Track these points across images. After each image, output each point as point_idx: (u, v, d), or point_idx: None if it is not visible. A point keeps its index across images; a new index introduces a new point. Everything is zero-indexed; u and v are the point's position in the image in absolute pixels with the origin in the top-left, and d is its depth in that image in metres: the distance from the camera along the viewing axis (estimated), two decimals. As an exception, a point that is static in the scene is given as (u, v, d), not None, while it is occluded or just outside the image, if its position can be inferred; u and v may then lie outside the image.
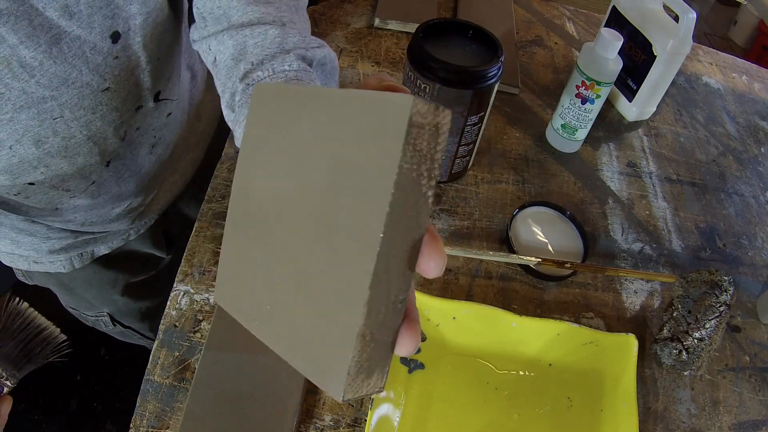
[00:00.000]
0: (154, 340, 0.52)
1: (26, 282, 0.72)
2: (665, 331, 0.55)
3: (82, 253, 0.66)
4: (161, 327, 0.53)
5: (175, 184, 0.69)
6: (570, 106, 0.70)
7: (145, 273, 0.75)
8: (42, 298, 0.72)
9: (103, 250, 0.67)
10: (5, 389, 0.41)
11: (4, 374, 0.40)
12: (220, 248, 0.59)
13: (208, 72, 0.68)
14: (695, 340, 0.53)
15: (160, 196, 0.67)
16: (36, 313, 0.43)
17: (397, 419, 0.48)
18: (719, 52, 1.02)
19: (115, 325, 0.80)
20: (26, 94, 0.41)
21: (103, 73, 0.45)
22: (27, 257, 0.63)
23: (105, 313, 0.78)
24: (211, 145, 0.75)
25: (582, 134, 0.73)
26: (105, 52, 0.44)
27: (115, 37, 0.44)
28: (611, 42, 0.64)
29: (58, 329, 0.43)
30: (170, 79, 0.56)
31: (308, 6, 0.91)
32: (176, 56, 0.56)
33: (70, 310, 0.79)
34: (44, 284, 0.72)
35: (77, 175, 0.51)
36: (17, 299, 0.42)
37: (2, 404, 0.41)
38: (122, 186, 0.58)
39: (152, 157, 0.59)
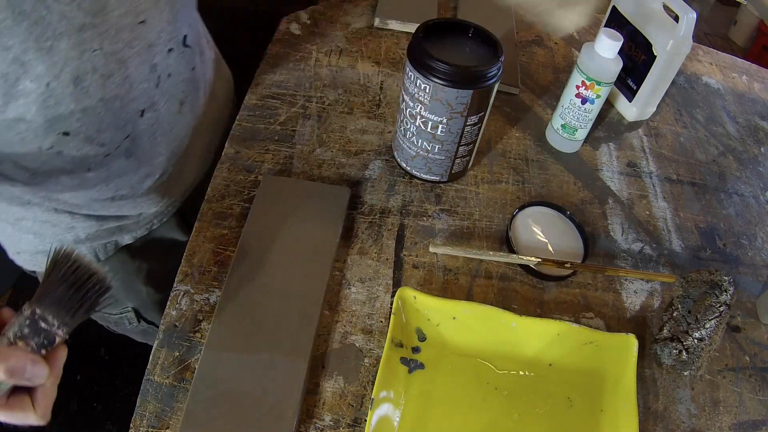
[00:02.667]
0: None
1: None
2: (665, 331, 0.55)
3: (106, 244, 0.66)
4: (161, 327, 0.53)
5: (198, 161, 0.70)
6: (570, 106, 0.70)
7: (169, 262, 0.75)
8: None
9: (127, 239, 0.67)
10: (58, 339, 0.38)
11: (55, 323, 0.38)
12: (220, 248, 0.59)
13: (215, 60, 0.70)
14: (695, 340, 0.53)
15: (185, 173, 0.67)
16: (84, 255, 0.40)
17: (397, 419, 0.48)
18: (719, 52, 1.02)
19: (139, 321, 0.80)
20: (66, 19, 0.40)
21: (139, 3, 0.46)
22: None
23: (129, 308, 0.78)
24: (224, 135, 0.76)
25: (582, 134, 0.73)
26: None
27: None
28: (611, 42, 0.64)
29: (106, 272, 0.41)
30: (192, 26, 0.58)
31: (308, 6, 0.91)
32: (194, 7, 0.59)
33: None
34: None
35: (113, 126, 0.50)
36: (66, 246, 0.40)
37: (57, 355, 0.39)
38: (154, 147, 0.58)
39: (181, 117, 0.60)
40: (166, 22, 0.51)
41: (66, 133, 0.47)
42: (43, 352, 0.38)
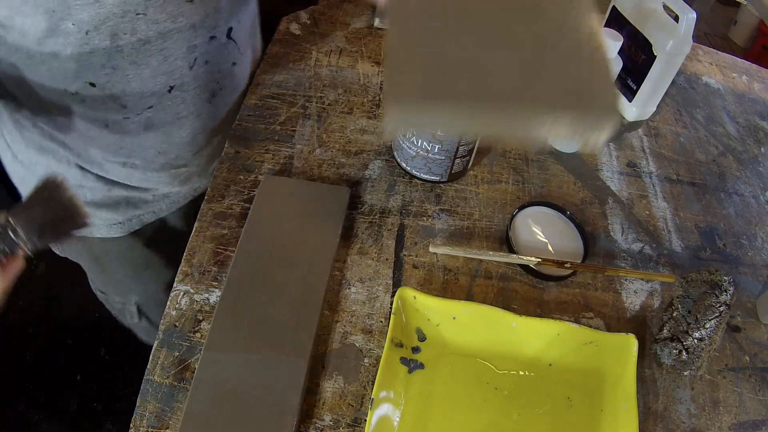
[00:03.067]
0: None
1: (58, 253, 0.72)
2: (665, 331, 0.55)
3: (119, 223, 0.66)
4: (161, 327, 0.53)
5: (216, 157, 0.70)
6: (570, 106, 0.70)
7: (180, 258, 0.75)
8: (48, 291, 0.72)
9: (135, 224, 0.66)
10: (20, 252, 0.40)
11: (23, 237, 0.40)
12: (220, 248, 0.59)
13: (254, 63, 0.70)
14: (695, 340, 0.53)
15: (201, 165, 0.67)
16: (71, 188, 0.42)
17: (397, 419, 0.48)
18: (719, 52, 1.02)
19: (140, 318, 0.80)
20: None
21: None
22: None
23: (133, 301, 0.78)
24: None
25: (582, 134, 0.73)
26: None
27: None
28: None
29: (86, 210, 0.43)
30: (241, 22, 0.58)
31: (308, 6, 0.91)
32: (247, 4, 0.58)
33: (99, 294, 0.79)
34: (75, 258, 0.72)
35: (138, 93, 0.51)
36: (58, 175, 0.42)
37: (11, 265, 0.40)
38: (175, 127, 0.58)
39: (210, 107, 0.60)
40: (213, 9, 0.51)
41: (92, 84, 0.48)
42: (2, 258, 0.40)
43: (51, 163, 0.60)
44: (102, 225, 0.65)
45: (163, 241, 0.71)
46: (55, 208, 0.42)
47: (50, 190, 0.42)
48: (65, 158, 0.60)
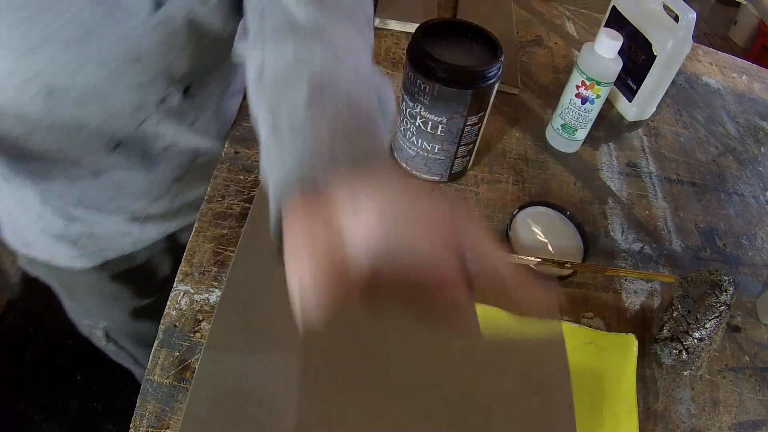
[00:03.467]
0: (145, 369, 0.49)
1: (29, 272, 0.68)
2: (665, 331, 0.55)
3: (88, 254, 0.62)
4: (161, 327, 0.53)
5: (192, 203, 0.64)
6: (570, 106, 0.70)
7: (150, 295, 0.71)
8: (48, 291, 0.72)
9: (97, 259, 0.62)
10: None
11: None
12: (220, 248, 0.59)
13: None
14: (695, 340, 0.53)
15: (163, 210, 0.63)
16: None
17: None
18: (719, 52, 1.02)
19: (108, 342, 0.77)
20: (59, 28, 0.37)
21: (134, 40, 0.41)
22: (22, 236, 0.59)
23: (101, 327, 0.74)
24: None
25: (582, 134, 0.73)
26: (143, 17, 0.40)
27: (158, 3, 0.40)
28: (611, 42, 0.64)
29: None
30: (204, 80, 0.51)
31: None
32: (219, 53, 0.50)
33: (68, 312, 0.77)
34: (45, 278, 0.69)
35: (78, 152, 0.47)
36: None
37: None
38: (130, 176, 0.54)
39: (165, 163, 0.54)
40: (164, 68, 0.45)
41: (51, 93, 0.42)
42: None
43: (14, 192, 0.56)
44: (64, 257, 0.61)
45: (132, 275, 0.67)
46: None
47: None
48: (28, 189, 0.55)
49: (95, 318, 0.73)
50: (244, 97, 0.73)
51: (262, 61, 0.36)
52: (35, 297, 1.44)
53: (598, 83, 0.66)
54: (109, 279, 0.66)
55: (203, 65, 0.50)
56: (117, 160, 0.51)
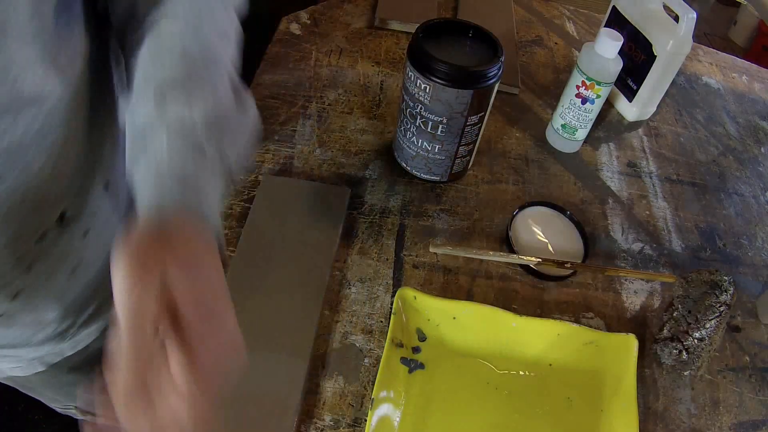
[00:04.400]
0: None
1: None
2: (665, 331, 0.55)
3: (25, 366, 0.53)
4: (161, 327, 0.52)
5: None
6: (570, 106, 0.70)
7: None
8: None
9: (50, 359, 0.53)
10: None
11: None
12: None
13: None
14: (695, 340, 0.53)
15: (103, 310, 0.53)
16: None
17: (397, 419, 0.48)
18: (719, 52, 1.02)
19: (86, 415, 0.70)
20: None
21: None
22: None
23: (72, 408, 0.69)
24: None
25: (582, 134, 0.73)
26: None
27: None
28: (611, 42, 0.64)
29: None
30: (79, 194, 0.42)
31: (308, 6, 0.91)
32: (86, 161, 0.42)
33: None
34: None
35: None
36: None
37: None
38: (40, 314, 0.46)
39: (75, 281, 0.46)
40: (28, 209, 0.37)
41: None
42: None
43: None
44: (3, 369, 0.54)
45: (88, 363, 0.57)
46: None
47: None
48: None
49: (63, 402, 0.67)
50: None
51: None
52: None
53: (598, 83, 0.66)
54: (66, 372, 0.58)
55: (75, 181, 0.42)
56: (21, 306, 0.43)
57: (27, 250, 0.39)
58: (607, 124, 0.81)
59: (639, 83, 0.78)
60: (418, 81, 0.57)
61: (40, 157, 0.36)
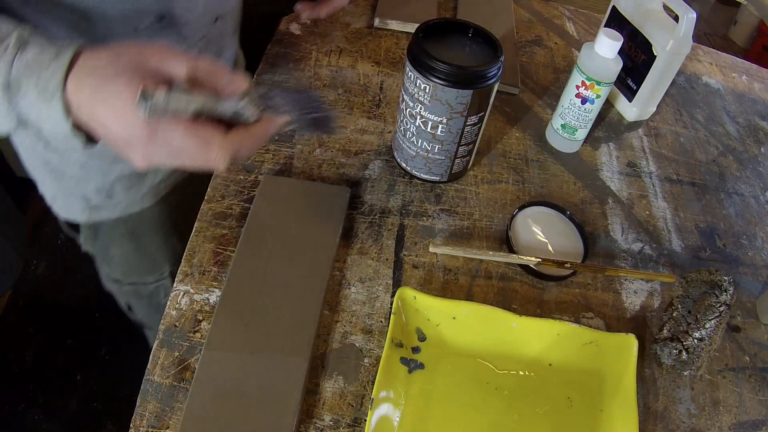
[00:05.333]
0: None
1: (89, 250, 0.77)
2: (665, 331, 0.55)
3: (150, 189, 0.71)
4: (161, 327, 0.53)
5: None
6: (570, 106, 0.70)
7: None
8: (44, 294, 0.72)
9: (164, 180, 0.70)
10: (271, 116, 0.41)
11: (278, 103, 0.41)
12: (220, 248, 0.59)
13: None
14: (695, 340, 0.53)
15: None
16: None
17: (397, 419, 0.48)
18: (719, 52, 1.02)
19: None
20: None
21: None
22: (92, 199, 0.68)
23: (166, 274, 0.81)
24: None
25: (582, 134, 0.73)
26: None
27: None
28: (611, 42, 0.64)
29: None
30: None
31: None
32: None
33: (127, 286, 0.83)
34: (107, 244, 0.76)
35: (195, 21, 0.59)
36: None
37: (261, 126, 0.40)
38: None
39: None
40: None
41: (161, 17, 0.56)
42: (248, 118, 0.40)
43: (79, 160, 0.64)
44: (136, 197, 0.70)
45: (188, 200, 0.73)
46: (309, 103, 0.43)
47: (307, 93, 0.43)
48: (94, 154, 0.64)
49: (160, 266, 0.80)
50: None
51: None
52: (35, 297, 1.44)
53: (598, 83, 0.66)
54: (168, 209, 0.74)
55: None
56: (219, 33, 0.70)
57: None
58: (607, 124, 0.81)
59: (639, 83, 0.78)
60: (418, 81, 0.57)
61: None
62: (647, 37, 0.74)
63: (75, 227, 0.77)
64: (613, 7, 0.80)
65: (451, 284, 0.59)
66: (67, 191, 0.70)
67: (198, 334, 0.52)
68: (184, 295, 0.55)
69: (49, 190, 0.71)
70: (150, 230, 0.74)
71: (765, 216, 0.73)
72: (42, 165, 0.68)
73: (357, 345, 0.54)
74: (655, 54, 0.74)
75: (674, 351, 0.53)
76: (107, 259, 0.81)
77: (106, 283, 0.88)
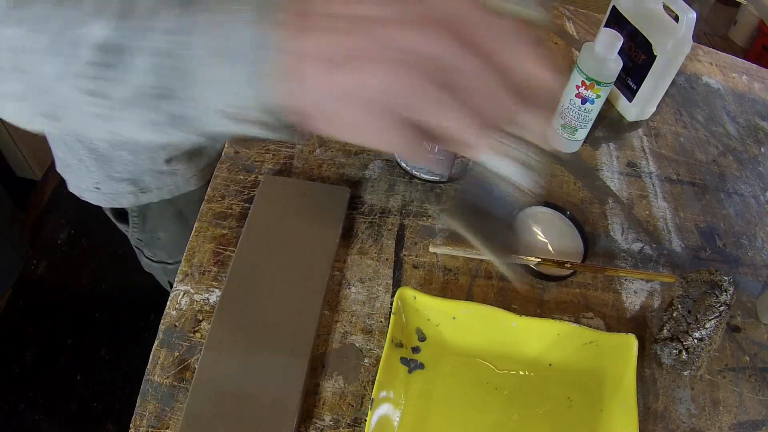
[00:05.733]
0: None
1: (138, 237, 0.78)
2: (665, 331, 0.55)
3: (197, 172, 0.72)
4: (161, 327, 0.53)
5: None
6: (570, 106, 0.70)
7: None
8: (44, 294, 0.72)
9: (211, 165, 0.70)
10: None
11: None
12: (220, 248, 0.59)
13: None
14: (695, 340, 0.53)
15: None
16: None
17: (397, 419, 0.48)
18: (719, 52, 1.02)
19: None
20: None
21: None
22: (138, 182, 0.70)
23: None
24: None
25: (582, 134, 0.73)
26: None
27: None
28: (611, 42, 0.64)
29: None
30: None
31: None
32: None
33: (173, 265, 0.84)
34: (155, 227, 0.78)
35: None
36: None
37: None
38: None
39: None
40: None
41: None
42: None
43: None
44: (183, 179, 0.72)
45: None
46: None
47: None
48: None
49: None
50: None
51: None
52: (35, 297, 1.44)
53: (598, 83, 0.66)
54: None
55: None
56: None
57: None
58: (607, 124, 0.81)
59: (639, 83, 0.78)
60: (418, 81, 0.57)
61: None
62: (647, 37, 0.74)
63: (122, 217, 0.78)
64: (613, 7, 0.80)
65: (451, 284, 0.59)
66: (116, 176, 0.70)
67: (198, 334, 0.52)
68: (184, 295, 0.55)
69: (92, 178, 0.71)
70: (195, 211, 0.74)
71: (765, 216, 0.73)
72: (87, 153, 0.68)
73: (357, 345, 0.54)
74: (655, 54, 0.74)
75: (674, 351, 0.53)
76: (153, 243, 0.83)
77: (147, 266, 0.90)
